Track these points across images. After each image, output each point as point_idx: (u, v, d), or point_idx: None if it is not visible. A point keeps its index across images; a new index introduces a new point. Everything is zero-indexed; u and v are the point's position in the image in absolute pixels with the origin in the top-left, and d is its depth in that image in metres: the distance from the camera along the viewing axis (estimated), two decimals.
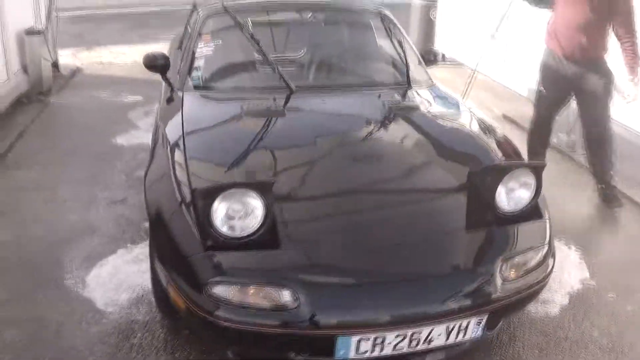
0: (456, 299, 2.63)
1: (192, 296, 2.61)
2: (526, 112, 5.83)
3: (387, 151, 3.43)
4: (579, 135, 5.83)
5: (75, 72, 9.35)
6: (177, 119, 3.64)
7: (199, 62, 4.25)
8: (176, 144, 3.34)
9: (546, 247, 2.98)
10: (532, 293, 2.90)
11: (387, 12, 4.81)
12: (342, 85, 4.24)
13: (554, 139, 6.28)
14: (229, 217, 2.69)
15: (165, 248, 2.85)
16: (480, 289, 2.68)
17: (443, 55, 4.97)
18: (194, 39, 4.37)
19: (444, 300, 2.61)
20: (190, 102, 3.92)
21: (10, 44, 7.25)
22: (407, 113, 3.87)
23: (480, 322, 2.71)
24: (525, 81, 7.09)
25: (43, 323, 3.38)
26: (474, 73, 5.92)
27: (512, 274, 2.79)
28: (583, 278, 3.92)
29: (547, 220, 3.10)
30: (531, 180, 3.00)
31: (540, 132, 5.35)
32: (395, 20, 4.81)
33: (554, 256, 3.04)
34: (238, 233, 2.68)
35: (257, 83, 4.15)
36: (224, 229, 2.66)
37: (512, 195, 3.00)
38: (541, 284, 2.92)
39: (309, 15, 4.70)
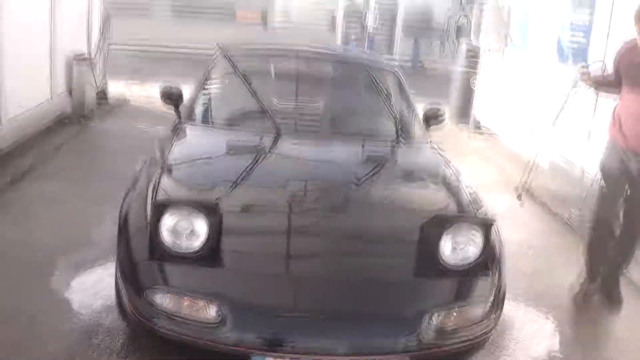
0: (372, 340, 2.69)
1: (134, 301, 2.79)
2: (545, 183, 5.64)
3: (347, 197, 3.50)
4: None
5: (122, 102, 9.78)
6: (168, 144, 3.91)
7: (205, 99, 4.55)
8: (157, 164, 3.60)
9: (485, 305, 2.95)
10: (465, 348, 2.88)
11: (396, 70, 4.97)
12: (330, 133, 4.37)
13: (565, 213, 6.27)
14: (176, 232, 2.87)
15: (122, 255, 3.04)
16: (399, 336, 2.73)
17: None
18: (204, 78, 4.66)
19: (358, 339, 2.68)
20: (186, 132, 4.21)
21: (58, 67, 7.73)
22: (380, 164, 4.00)
23: None
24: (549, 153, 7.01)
25: (19, 312, 3.61)
26: (533, 163, 5.69)
27: (443, 326, 2.79)
28: (551, 350, 3.87)
29: (494, 278, 3.06)
30: (478, 236, 3.01)
31: (602, 240, 4.51)
32: (403, 79, 4.91)
33: (496, 315, 3.01)
34: (183, 248, 2.86)
35: (251, 122, 4.33)
36: (170, 243, 2.85)
37: (458, 248, 3.01)
38: (476, 340, 2.89)
39: (315, 64, 4.92)
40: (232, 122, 4.39)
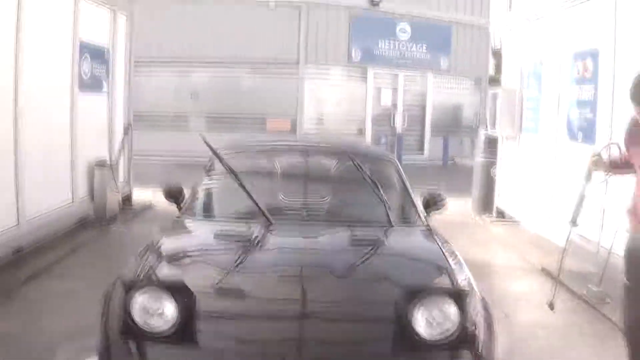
0: None
1: None
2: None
3: (326, 284, 3.44)
4: (608, 287, 5.55)
5: (146, 207, 10.03)
6: (161, 235, 4.06)
7: (201, 194, 4.72)
8: (146, 249, 3.72)
9: None
10: None
11: (392, 158, 5.12)
12: (320, 221, 4.41)
13: (583, 290, 6.08)
14: (146, 312, 2.94)
15: (100, 334, 3.10)
16: None
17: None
18: (203, 175, 4.86)
19: None
20: (180, 224, 4.37)
21: (79, 172, 8.06)
22: (366, 246, 3.99)
23: None
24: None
25: None
26: (563, 253, 5.43)
27: None
28: None
29: (475, 353, 2.96)
30: (451, 307, 2.94)
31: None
32: (399, 167, 4.98)
33: None
34: (154, 327, 2.92)
35: (244, 214, 4.37)
36: (142, 323, 2.91)
37: (432, 322, 2.93)
38: None
39: (310, 156, 5.04)
40: (226, 214, 4.52)
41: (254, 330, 3.03)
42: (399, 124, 17.74)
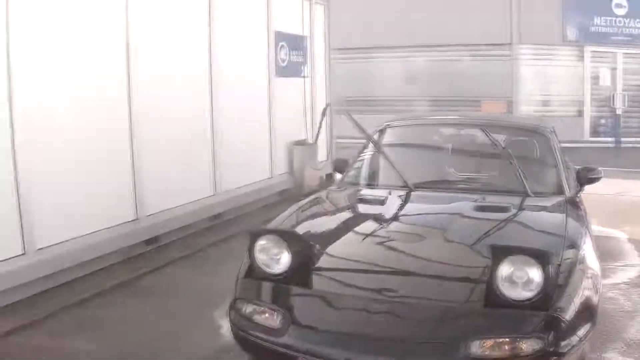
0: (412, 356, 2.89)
1: (230, 312, 3.41)
2: None
3: (432, 244, 3.63)
4: None
5: None
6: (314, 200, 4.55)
7: (359, 164, 5.14)
8: (291, 209, 4.24)
9: (542, 341, 2.86)
10: None
11: (542, 130, 5.07)
12: (457, 190, 4.61)
13: None
14: (270, 257, 3.39)
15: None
16: (433, 356, 2.89)
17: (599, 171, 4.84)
18: (362, 147, 5.29)
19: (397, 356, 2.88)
20: (333, 189, 4.92)
21: (278, 151, 8.96)
22: (487, 211, 4.06)
23: None
24: None
25: None
26: None
27: (487, 353, 2.82)
28: None
29: (554, 314, 2.95)
30: (536, 270, 2.96)
31: None
32: (552, 138, 4.93)
33: (556, 354, 2.88)
34: (274, 270, 3.38)
35: (389, 182, 4.71)
36: (262, 265, 3.38)
37: (517, 282, 2.99)
38: None
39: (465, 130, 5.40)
40: (375, 183, 4.89)
41: (354, 278, 3.34)
42: (619, 104, 16.58)
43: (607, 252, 6.15)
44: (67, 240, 5.25)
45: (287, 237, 3.42)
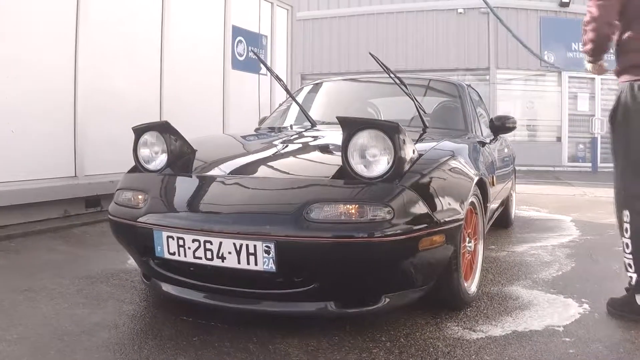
0: (246, 222, 2.82)
1: (110, 205, 3.49)
2: None
3: (302, 148, 3.81)
4: None
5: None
6: None
7: (275, 114, 5.35)
8: None
9: (378, 207, 2.75)
10: (349, 246, 2.73)
11: (460, 84, 5.22)
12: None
13: None
14: (150, 154, 3.52)
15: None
16: (273, 221, 2.80)
17: (514, 121, 4.99)
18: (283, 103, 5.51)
19: (235, 220, 2.85)
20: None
21: None
22: None
23: (269, 251, 2.73)
24: None
25: None
26: None
27: (327, 218, 2.75)
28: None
29: (400, 185, 2.86)
30: (385, 143, 2.92)
31: None
32: (465, 92, 5.03)
33: (404, 222, 2.77)
34: (150, 166, 3.49)
35: (295, 122, 4.89)
36: (142, 161, 3.52)
37: (367, 157, 2.95)
38: (362, 239, 2.71)
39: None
40: (282, 123, 4.97)
41: (217, 166, 3.41)
42: (596, 129, 16.61)
43: (549, 228, 6.37)
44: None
45: (167, 135, 3.49)
